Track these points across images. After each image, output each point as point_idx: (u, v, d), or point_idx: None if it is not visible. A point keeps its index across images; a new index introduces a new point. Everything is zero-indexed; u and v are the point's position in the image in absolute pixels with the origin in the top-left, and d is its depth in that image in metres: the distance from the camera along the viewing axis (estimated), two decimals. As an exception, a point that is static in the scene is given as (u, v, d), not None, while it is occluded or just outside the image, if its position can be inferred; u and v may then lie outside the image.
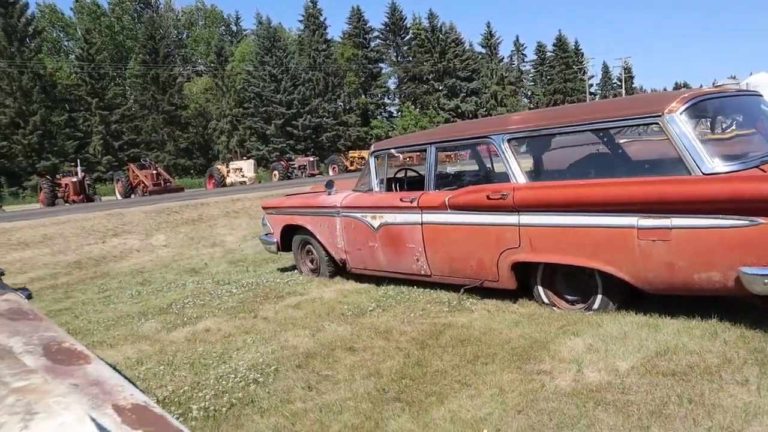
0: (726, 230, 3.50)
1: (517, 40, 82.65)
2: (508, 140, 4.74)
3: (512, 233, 4.56)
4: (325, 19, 56.99)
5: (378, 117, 61.42)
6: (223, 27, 61.11)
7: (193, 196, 20.81)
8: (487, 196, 4.69)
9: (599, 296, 4.28)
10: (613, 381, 3.06)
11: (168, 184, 28.42)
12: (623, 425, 2.58)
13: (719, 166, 3.68)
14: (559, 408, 2.81)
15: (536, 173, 4.97)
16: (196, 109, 49.97)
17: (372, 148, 6.16)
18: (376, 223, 5.72)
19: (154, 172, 28.57)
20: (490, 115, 68.04)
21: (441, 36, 64.57)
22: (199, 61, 57.02)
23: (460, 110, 65.93)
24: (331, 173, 35.98)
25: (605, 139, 4.75)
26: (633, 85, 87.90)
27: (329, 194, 6.43)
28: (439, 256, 5.20)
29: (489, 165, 6.66)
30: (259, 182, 32.38)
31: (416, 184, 6.28)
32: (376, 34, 63.36)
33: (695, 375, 3.01)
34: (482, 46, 74.38)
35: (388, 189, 6.07)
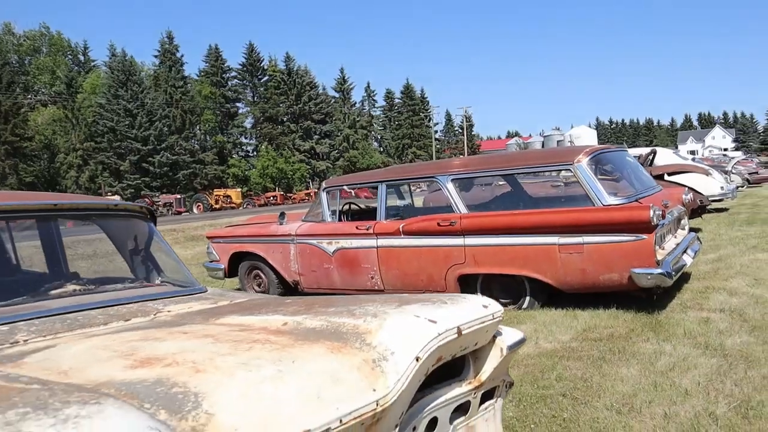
0: (621, 244, 5.05)
1: (368, 86, 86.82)
2: (452, 180, 6.09)
3: (459, 252, 5.86)
4: (182, 56, 56.45)
5: (234, 156, 61.29)
6: (70, 56, 58.00)
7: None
8: (438, 223, 5.97)
9: (528, 297, 5.68)
10: (563, 346, 4.41)
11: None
12: (585, 366, 3.91)
13: (613, 200, 5.26)
14: (538, 362, 4.09)
15: (474, 205, 6.32)
16: (42, 141, 46.87)
17: (324, 185, 7.22)
18: (331, 248, 6.75)
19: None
20: (343, 157, 70.56)
21: (297, 79, 66.25)
22: (42, 90, 53.56)
23: (315, 152, 67.70)
24: (195, 211, 35.69)
25: (529, 180, 6.26)
26: (473, 133, 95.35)
27: (281, 224, 7.34)
28: (392, 273, 6.36)
29: (409, 200, 8.01)
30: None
31: (360, 214, 7.43)
32: (233, 73, 63.62)
33: (615, 338, 4.46)
34: (336, 91, 77.20)
35: (338, 220, 7.13)
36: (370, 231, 6.43)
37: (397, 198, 8.20)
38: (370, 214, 7.40)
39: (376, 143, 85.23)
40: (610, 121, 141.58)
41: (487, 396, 2.03)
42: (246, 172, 56.04)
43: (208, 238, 8.24)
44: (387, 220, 6.48)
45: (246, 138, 64.90)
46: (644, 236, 4.95)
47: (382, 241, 6.37)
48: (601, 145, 6.31)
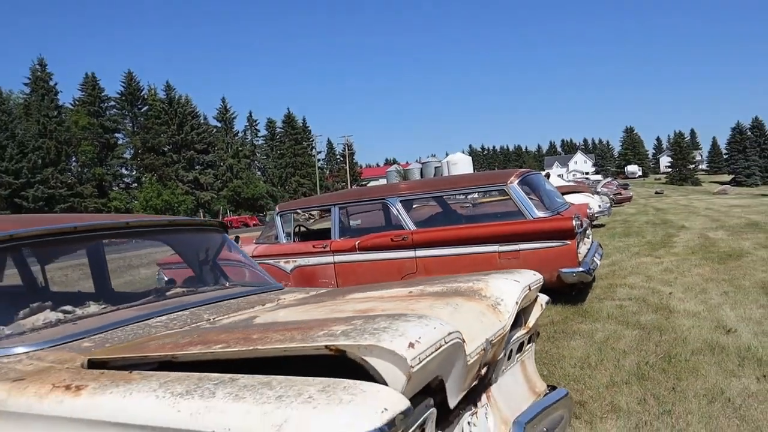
0: (550, 249, 6.17)
1: (251, 115, 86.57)
2: (400, 201, 7.01)
3: (410, 263, 6.77)
4: (55, 84, 53.63)
5: (115, 188, 58.78)
6: None
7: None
8: (391, 239, 6.85)
9: (473, 299, 6.67)
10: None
11: None
12: (541, 344, 4.92)
13: (540, 213, 6.41)
14: (503, 343, 5.05)
15: (421, 222, 7.26)
16: None
17: (277, 209, 7.89)
18: (289, 267, 7.42)
19: None
20: (227, 187, 69.69)
21: (178, 109, 64.96)
22: None
23: (198, 182, 66.38)
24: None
25: (468, 199, 7.30)
26: (354, 161, 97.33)
27: (236, 247, 7.89)
28: (349, 285, 7.13)
29: (347, 222, 8.83)
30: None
31: (308, 235, 8.15)
32: (112, 103, 61.22)
33: (555, 323, 5.53)
34: (218, 121, 76.37)
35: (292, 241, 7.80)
36: (327, 249, 7.19)
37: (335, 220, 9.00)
38: (319, 234, 8.16)
39: (259, 172, 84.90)
40: (482, 148, 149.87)
41: (529, 340, 2.93)
42: (128, 205, 53.94)
43: (159, 264, 8.56)
44: (341, 239, 7.27)
45: (127, 169, 62.51)
46: (568, 242, 6.11)
47: (339, 257, 7.14)
48: (525, 169, 7.48)
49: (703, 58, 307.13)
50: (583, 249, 6.93)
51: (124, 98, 62.25)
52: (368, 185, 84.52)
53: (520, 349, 2.82)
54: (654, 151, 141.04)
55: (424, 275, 6.69)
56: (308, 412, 1.26)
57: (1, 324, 2.47)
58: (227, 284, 3.45)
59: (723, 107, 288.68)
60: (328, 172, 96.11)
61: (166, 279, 8.39)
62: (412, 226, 6.87)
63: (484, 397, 2.33)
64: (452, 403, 1.84)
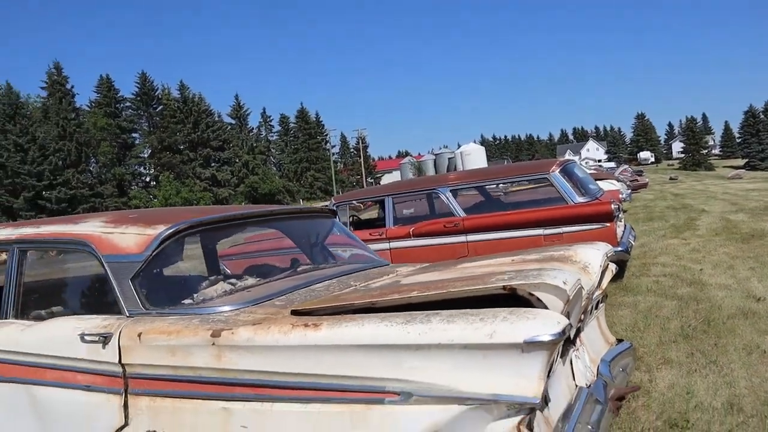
0: (591, 231, 6.79)
1: (264, 111, 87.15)
2: (450, 190, 7.66)
3: (462, 247, 7.42)
4: (72, 87, 54.60)
5: (134, 187, 59.81)
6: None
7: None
8: (444, 225, 7.51)
9: (519, 279, 7.32)
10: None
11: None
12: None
13: (581, 198, 7.04)
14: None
15: (469, 209, 7.90)
16: None
17: (334, 201, 8.57)
18: (346, 254, 8.09)
19: None
20: (244, 183, 70.48)
21: (193, 107, 65.73)
22: None
23: (216, 179, 67.29)
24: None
25: (513, 186, 7.95)
26: (368, 154, 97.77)
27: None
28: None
29: (399, 211, 9.50)
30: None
31: (360, 224, 8.82)
32: (127, 103, 62.19)
33: (601, 297, 6.16)
34: (232, 118, 77.13)
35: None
36: (383, 236, 7.86)
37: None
38: (369, 223, 8.83)
39: (275, 168, 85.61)
40: (494, 138, 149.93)
41: (602, 300, 3.58)
42: (148, 204, 54.90)
43: (219, 257, 9.28)
44: (396, 226, 7.94)
45: (145, 168, 63.49)
46: (608, 224, 6.74)
47: (394, 244, 7.80)
48: (564, 159, 8.09)
49: (712, 40, 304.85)
50: (618, 231, 7.56)
51: (139, 99, 63.18)
52: (382, 179, 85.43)
53: (596, 306, 3.47)
54: (666, 137, 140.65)
55: (473, 258, 7.34)
56: (508, 326, 1.92)
57: (193, 292, 3.16)
58: (342, 261, 4.12)
59: (734, 91, 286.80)
60: (342, 165, 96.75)
61: (228, 270, 9.11)
62: (462, 213, 7.52)
63: (578, 340, 2.99)
64: (572, 334, 2.49)
